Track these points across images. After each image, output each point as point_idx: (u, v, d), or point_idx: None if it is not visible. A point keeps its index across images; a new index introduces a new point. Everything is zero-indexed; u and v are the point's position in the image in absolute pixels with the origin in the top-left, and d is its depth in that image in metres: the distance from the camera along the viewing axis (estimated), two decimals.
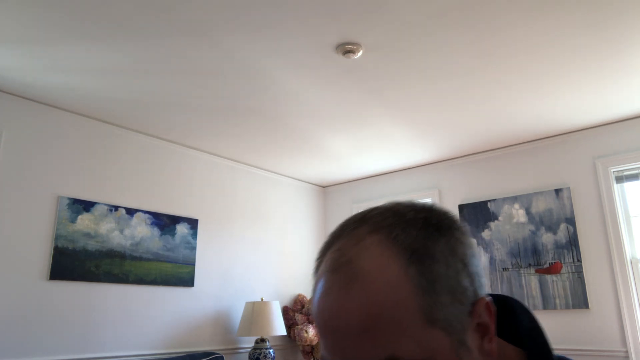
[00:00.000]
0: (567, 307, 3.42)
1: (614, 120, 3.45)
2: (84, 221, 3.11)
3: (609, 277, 3.33)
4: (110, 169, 3.33)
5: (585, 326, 3.35)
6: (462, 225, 0.55)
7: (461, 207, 4.07)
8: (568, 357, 0.60)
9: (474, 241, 0.65)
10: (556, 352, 0.58)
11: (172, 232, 3.59)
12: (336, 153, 4.06)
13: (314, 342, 4.00)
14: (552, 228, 3.59)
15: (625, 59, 2.63)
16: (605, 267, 3.35)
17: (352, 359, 0.48)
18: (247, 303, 3.73)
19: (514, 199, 3.80)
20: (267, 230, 4.37)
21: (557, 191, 3.61)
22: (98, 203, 3.20)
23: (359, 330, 0.47)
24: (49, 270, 2.91)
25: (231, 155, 4.08)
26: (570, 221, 3.52)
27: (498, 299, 0.63)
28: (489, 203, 3.92)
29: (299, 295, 4.40)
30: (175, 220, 3.62)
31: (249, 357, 3.61)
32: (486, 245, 3.87)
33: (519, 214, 3.76)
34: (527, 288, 3.61)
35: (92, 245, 3.12)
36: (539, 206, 3.68)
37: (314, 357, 4.09)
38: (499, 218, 3.85)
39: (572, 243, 3.49)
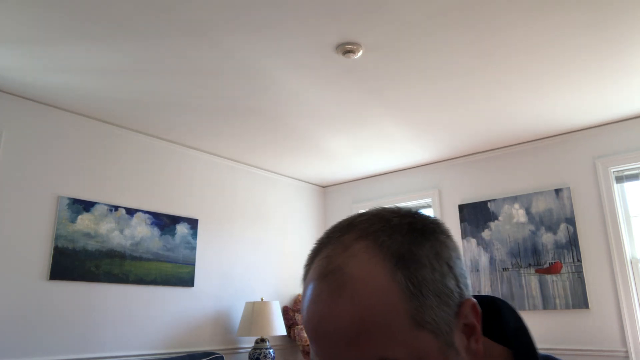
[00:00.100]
0: (567, 307, 3.42)
1: (614, 120, 3.45)
2: (84, 221, 3.11)
3: (609, 277, 3.33)
4: (110, 169, 3.33)
5: (585, 326, 3.35)
6: (446, 229, 0.56)
7: (461, 207, 4.07)
8: (556, 357, 0.61)
9: (458, 244, 0.66)
10: (542, 352, 0.60)
11: (172, 232, 3.59)
12: (336, 153, 4.06)
13: None
14: (552, 228, 3.59)
15: (625, 59, 2.63)
16: (605, 267, 3.35)
17: None
18: (247, 303, 3.73)
19: (514, 199, 3.80)
20: (267, 230, 4.37)
21: (557, 191, 3.61)
22: (98, 203, 3.20)
23: (350, 335, 0.48)
24: (49, 270, 2.91)
25: (231, 155, 4.08)
26: (570, 221, 3.52)
27: (485, 300, 0.65)
28: (489, 203, 3.92)
29: (299, 295, 4.40)
30: (175, 220, 3.62)
31: (249, 357, 3.61)
32: (486, 245, 3.87)
33: (519, 214, 3.76)
34: (527, 288, 3.61)
35: (92, 245, 3.12)
36: (539, 206, 3.68)
37: None
38: (499, 218, 3.85)
39: (572, 243, 3.49)
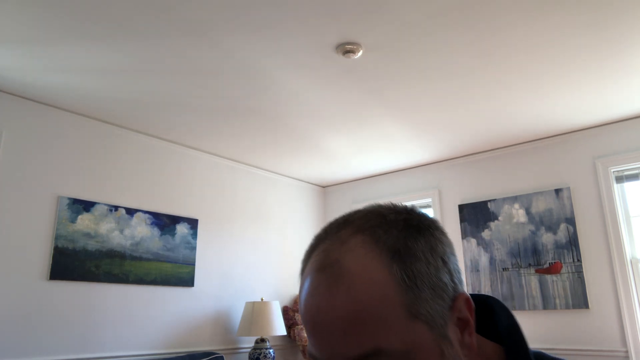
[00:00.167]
0: (567, 307, 3.42)
1: (614, 120, 3.45)
2: (84, 221, 3.11)
3: (609, 277, 3.33)
4: (110, 169, 3.33)
5: (585, 326, 3.35)
6: (441, 226, 0.58)
7: (461, 207, 4.07)
8: (548, 354, 0.62)
9: (457, 244, 0.68)
10: (534, 349, 0.60)
11: (172, 232, 3.59)
12: (336, 153, 4.06)
13: None
14: (552, 228, 3.59)
15: (625, 59, 2.63)
16: (605, 267, 3.35)
17: (339, 353, 0.50)
18: (247, 303, 3.73)
19: (514, 199, 3.80)
20: (267, 230, 4.37)
21: (557, 191, 3.61)
22: (98, 203, 3.20)
23: (346, 325, 0.49)
24: (49, 270, 2.91)
25: (231, 155, 4.08)
26: (570, 221, 3.52)
27: (478, 299, 0.66)
28: (489, 203, 3.92)
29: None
30: (175, 220, 3.62)
31: (249, 357, 3.61)
32: (486, 245, 3.87)
33: (519, 214, 3.76)
34: (527, 288, 3.61)
35: (92, 245, 3.12)
36: (539, 206, 3.68)
37: None
38: (499, 218, 3.85)
39: (572, 243, 3.49)
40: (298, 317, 4.16)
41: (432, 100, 3.08)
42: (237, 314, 3.93)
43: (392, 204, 0.58)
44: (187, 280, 3.60)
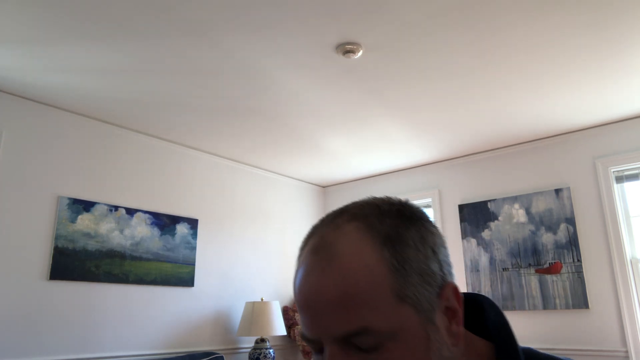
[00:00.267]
0: (567, 307, 3.42)
1: (614, 120, 3.45)
2: (84, 221, 3.11)
3: (609, 277, 3.33)
4: (110, 169, 3.33)
5: (585, 326, 3.35)
6: (433, 220, 0.61)
7: (461, 207, 4.07)
8: (538, 350, 0.63)
9: (444, 235, 0.71)
10: (522, 346, 0.65)
11: (172, 232, 3.59)
12: (336, 153, 4.06)
13: None
14: (552, 228, 3.59)
15: (625, 59, 2.63)
16: (605, 267, 3.35)
17: (329, 331, 0.52)
18: (247, 303, 3.73)
19: (514, 199, 3.80)
20: (267, 230, 4.37)
21: (557, 191, 3.61)
22: (98, 203, 3.20)
23: (336, 304, 0.52)
24: (49, 270, 2.91)
25: (231, 155, 4.08)
26: (570, 221, 3.52)
27: (469, 297, 0.68)
28: (489, 203, 3.92)
29: None
30: (175, 220, 3.62)
31: (249, 357, 3.61)
32: (486, 245, 3.87)
33: (519, 214, 3.76)
34: (527, 288, 3.61)
35: (92, 245, 3.12)
36: (539, 206, 3.68)
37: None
38: (499, 218, 3.85)
39: (572, 243, 3.49)
40: (298, 317, 4.16)
41: (432, 100, 3.08)
42: (237, 314, 3.93)
43: (387, 197, 0.61)
44: (187, 280, 3.60)
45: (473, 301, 0.67)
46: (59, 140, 3.11)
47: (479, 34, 2.36)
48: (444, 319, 0.55)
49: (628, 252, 3.32)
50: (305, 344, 4.01)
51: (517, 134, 3.69)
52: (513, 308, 3.64)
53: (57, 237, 2.96)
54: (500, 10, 2.18)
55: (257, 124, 3.42)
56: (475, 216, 3.97)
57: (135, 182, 3.45)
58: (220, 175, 4.08)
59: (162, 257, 3.48)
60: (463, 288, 3.91)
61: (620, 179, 3.46)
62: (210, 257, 3.83)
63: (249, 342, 3.92)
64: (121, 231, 3.29)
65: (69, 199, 3.06)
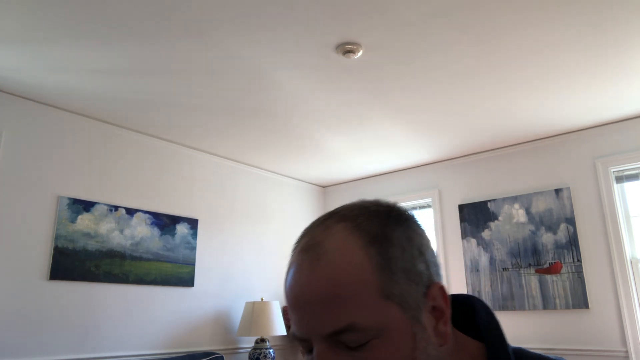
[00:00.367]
0: (567, 307, 3.42)
1: (614, 120, 3.45)
2: (84, 221, 3.11)
3: (609, 277, 3.33)
4: (110, 169, 3.33)
5: (585, 326, 3.35)
6: (420, 223, 0.63)
7: (461, 207, 4.07)
8: (529, 350, 0.63)
9: (430, 237, 0.73)
10: (513, 346, 0.66)
11: (172, 232, 3.59)
12: (336, 153, 4.06)
13: None
14: (552, 228, 3.59)
15: (625, 60, 2.63)
16: (605, 267, 3.35)
17: (317, 329, 0.54)
18: (247, 303, 3.73)
19: (514, 199, 3.80)
20: (267, 230, 4.37)
21: (557, 191, 3.61)
22: (98, 203, 3.20)
23: (324, 300, 0.53)
24: (49, 270, 2.91)
25: (231, 155, 4.08)
26: (570, 221, 3.52)
27: (461, 298, 0.69)
28: (489, 203, 3.92)
29: None
30: (175, 220, 3.62)
31: (249, 357, 3.61)
32: (486, 245, 3.87)
33: (519, 214, 3.76)
34: (527, 288, 3.61)
35: (92, 245, 3.12)
36: (539, 206, 3.68)
37: None
38: (499, 218, 3.85)
39: (572, 243, 3.49)
40: None
41: (432, 100, 3.08)
42: (237, 314, 3.93)
43: (376, 199, 0.62)
44: (187, 280, 3.60)
45: (464, 302, 0.68)
46: (59, 140, 3.11)
47: (479, 34, 2.36)
48: (430, 318, 0.56)
49: (628, 252, 3.32)
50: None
51: (517, 134, 3.69)
52: (513, 308, 3.64)
53: (57, 237, 2.96)
54: (500, 10, 2.18)
55: (257, 124, 3.42)
56: (475, 216, 3.97)
57: (135, 182, 3.45)
58: (220, 175, 4.08)
59: (162, 257, 3.48)
60: (463, 288, 3.92)
61: (620, 179, 3.46)
62: (210, 257, 3.83)
63: (249, 342, 3.92)
64: (121, 231, 3.29)
65: (69, 199, 3.06)
